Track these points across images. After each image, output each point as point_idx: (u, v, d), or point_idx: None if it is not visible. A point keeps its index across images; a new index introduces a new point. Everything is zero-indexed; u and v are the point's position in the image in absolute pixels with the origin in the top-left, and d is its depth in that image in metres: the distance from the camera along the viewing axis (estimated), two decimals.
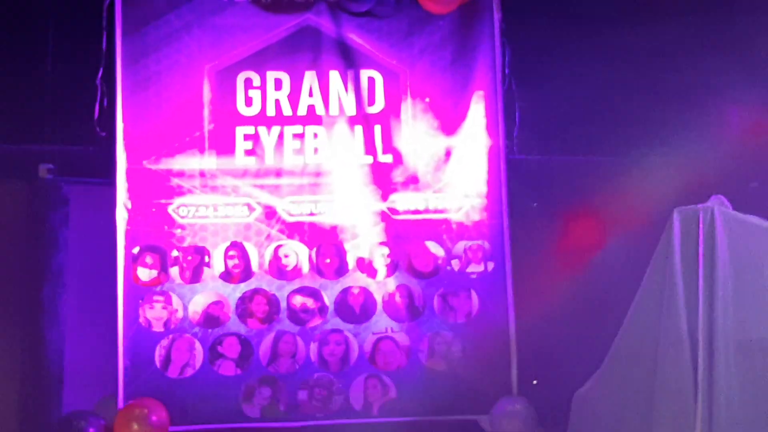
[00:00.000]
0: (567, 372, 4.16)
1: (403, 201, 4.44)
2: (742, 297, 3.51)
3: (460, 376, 4.37)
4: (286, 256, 4.37)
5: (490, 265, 4.43)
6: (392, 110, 4.46)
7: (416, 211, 4.44)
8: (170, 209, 4.33)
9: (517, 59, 4.48)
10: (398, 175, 4.44)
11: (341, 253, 4.39)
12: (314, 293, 4.36)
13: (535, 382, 4.49)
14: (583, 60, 4.45)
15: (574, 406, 4.03)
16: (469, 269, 4.43)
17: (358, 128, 4.45)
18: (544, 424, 4.34)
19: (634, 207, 4.28)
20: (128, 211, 4.29)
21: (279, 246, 4.37)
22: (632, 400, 3.69)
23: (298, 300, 4.35)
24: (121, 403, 4.19)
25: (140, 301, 4.27)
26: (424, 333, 4.38)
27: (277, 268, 4.35)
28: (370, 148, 4.45)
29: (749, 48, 4.44)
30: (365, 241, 4.41)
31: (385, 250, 4.41)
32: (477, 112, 4.46)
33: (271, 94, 4.43)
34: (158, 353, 4.25)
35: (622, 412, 3.76)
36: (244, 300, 4.32)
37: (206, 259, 4.32)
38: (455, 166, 4.45)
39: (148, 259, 4.29)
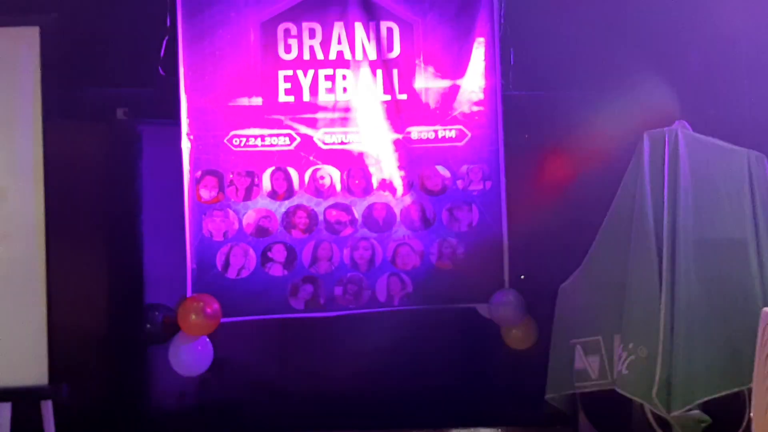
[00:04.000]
0: (551, 270, 4.37)
1: (417, 132, 4.73)
2: (699, 204, 3.68)
3: (462, 273, 4.61)
4: (321, 178, 4.63)
5: (488, 184, 4.64)
6: (407, 55, 4.70)
7: (428, 140, 4.70)
8: (225, 140, 4.64)
9: (512, 11, 4.75)
10: (413, 111, 4.73)
11: (367, 176, 4.68)
12: (346, 208, 4.63)
13: (522, 276, 4.72)
14: (569, 11, 4.68)
15: (560, 298, 4.21)
16: (471, 187, 4.65)
17: (379, 71, 4.69)
18: (531, 312, 4.55)
19: (611, 132, 4.32)
20: (191, 142, 4.59)
21: (316, 169, 4.63)
22: (608, 293, 3.86)
23: (333, 214, 4.63)
24: None
25: (203, 216, 4.56)
26: (434, 239, 4.62)
27: (315, 188, 4.64)
28: (389, 88, 4.69)
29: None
30: (386, 165, 4.67)
31: (402, 173, 4.70)
32: (478, 56, 4.72)
33: (306, 41, 4.65)
34: (219, 258, 4.53)
35: (600, 303, 3.93)
36: (288, 214, 4.60)
37: (256, 180, 4.62)
38: (460, 102, 4.71)
39: (209, 182, 4.60)
